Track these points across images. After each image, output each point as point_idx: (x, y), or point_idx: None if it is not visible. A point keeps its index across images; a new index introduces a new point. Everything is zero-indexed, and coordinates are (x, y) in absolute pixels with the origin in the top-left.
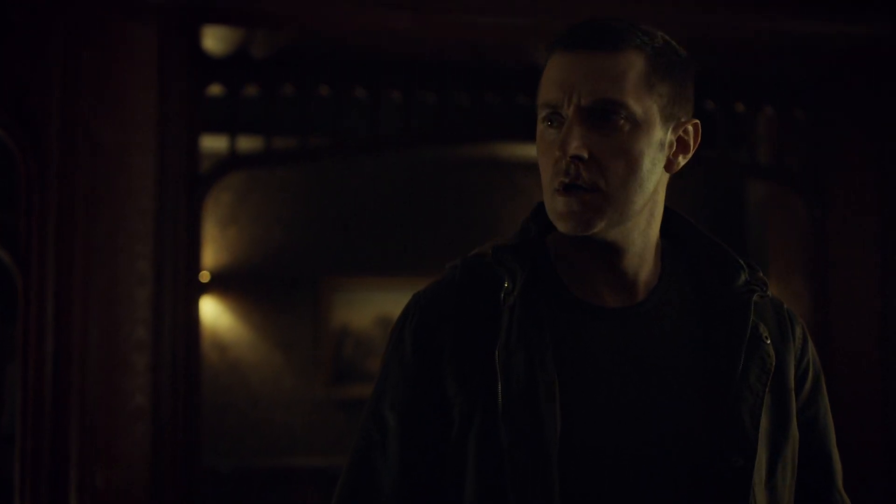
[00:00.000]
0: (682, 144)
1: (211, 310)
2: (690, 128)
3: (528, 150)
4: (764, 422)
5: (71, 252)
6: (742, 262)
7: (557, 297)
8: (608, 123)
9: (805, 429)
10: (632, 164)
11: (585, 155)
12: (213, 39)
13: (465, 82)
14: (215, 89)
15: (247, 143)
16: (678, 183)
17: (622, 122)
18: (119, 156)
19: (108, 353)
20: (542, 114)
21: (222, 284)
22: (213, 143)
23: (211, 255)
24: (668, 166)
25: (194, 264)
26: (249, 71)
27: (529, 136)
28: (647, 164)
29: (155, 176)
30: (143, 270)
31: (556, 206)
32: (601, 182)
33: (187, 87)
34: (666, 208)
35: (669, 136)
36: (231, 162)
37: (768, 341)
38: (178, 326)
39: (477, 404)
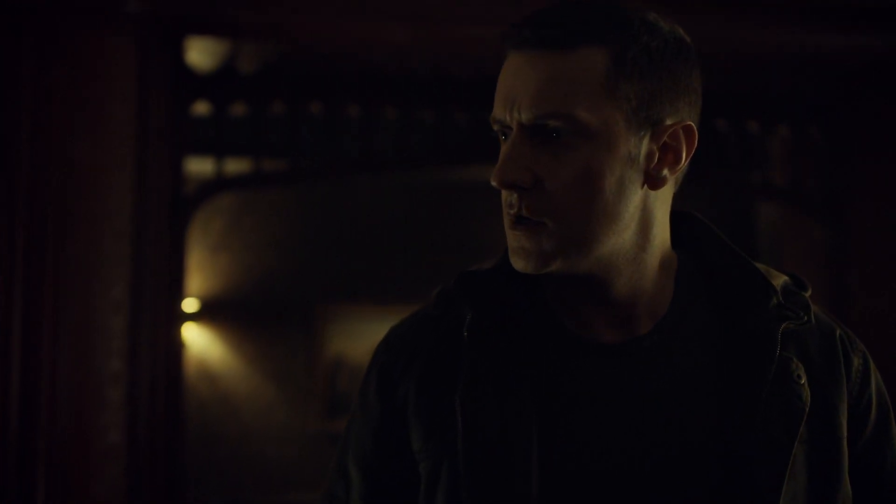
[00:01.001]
0: (668, 153)
1: (200, 339)
2: (680, 131)
3: None
4: (800, 480)
5: (40, 276)
6: (772, 282)
7: (546, 330)
8: (556, 141)
9: (866, 482)
10: (589, 188)
11: (526, 183)
12: (198, 53)
13: (465, 100)
14: (201, 107)
15: (235, 165)
16: (681, 204)
17: (572, 138)
18: (94, 174)
19: (79, 387)
20: (494, 129)
21: (212, 312)
22: (200, 167)
23: (201, 282)
24: (651, 182)
25: (176, 291)
26: (237, 87)
27: None
28: (611, 184)
29: (133, 197)
30: (119, 297)
31: (508, 240)
32: (548, 214)
33: (170, 104)
34: (682, 214)
35: (646, 146)
36: (217, 184)
37: (802, 381)
38: (158, 358)
39: (443, 460)
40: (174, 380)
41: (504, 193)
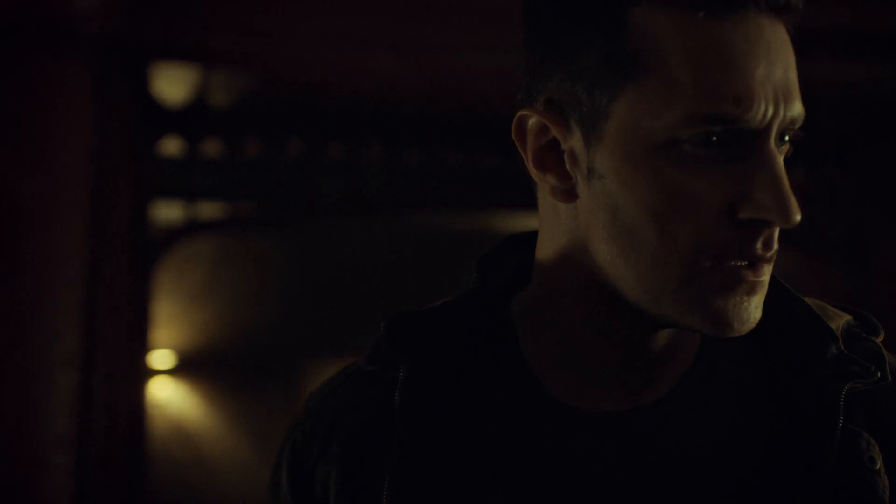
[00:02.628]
0: None
1: (176, 397)
2: None
3: (528, 222)
4: None
5: None
6: (830, 324)
7: (517, 396)
8: (782, 151)
9: None
10: None
11: None
12: (165, 83)
13: (456, 139)
14: (169, 144)
15: (208, 208)
16: None
17: (788, 146)
18: (43, 215)
19: (20, 451)
20: (691, 132)
21: (189, 367)
22: (170, 210)
23: (177, 335)
24: None
25: (140, 344)
26: (209, 123)
27: (528, 205)
28: None
29: (88, 240)
30: (70, 350)
31: (732, 307)
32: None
33: (134, 139)
34: None
35: None
36: (187, 228)
37: (878, 465)
38: (118, 419)
39: None
40: (134, 444)
41: (729, 231)
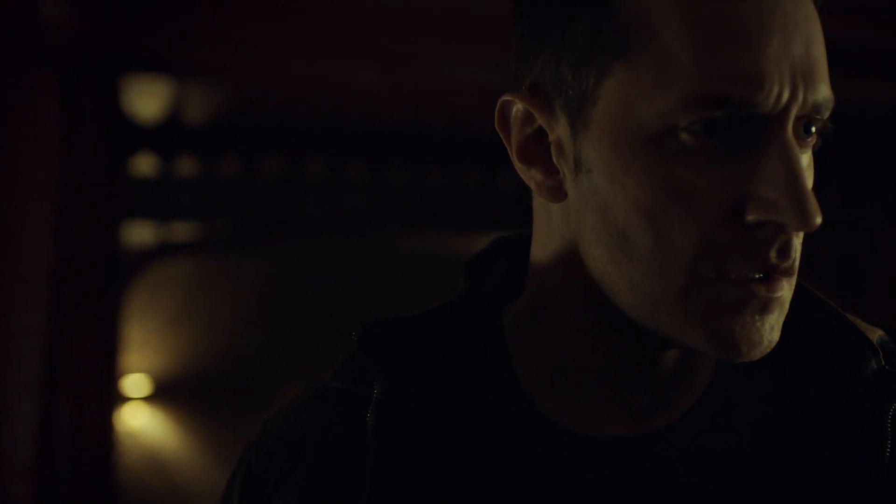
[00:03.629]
0: None
1: (151, 424)
2: None
3: None
4: None
5: None
6: (869, 337)
7: (508, 417)
8: (807, 143)
9: None
10: None
11: None
12: (138, 98)
13: (440, 157)
14: (143, 163)
15: (182, 228)
16: None
17: (816, 138)
18: (6, 234)
19: None
20: (690, 118)
21: (166, 394)
22: (143, 233)
23: (152, 360)
24: None
25: (109, 370)
26: (183, 140)
27: (514, 225)
28: None
29: (52, 261)
30: (30, 375)
31: (740, 328)
32: (797, 256)
33: (103, 155)
34: None
35: None
36: (160, 249)
37: None
38: (85, 448)
39: None
40: (103, 473)
41: (738, 234)
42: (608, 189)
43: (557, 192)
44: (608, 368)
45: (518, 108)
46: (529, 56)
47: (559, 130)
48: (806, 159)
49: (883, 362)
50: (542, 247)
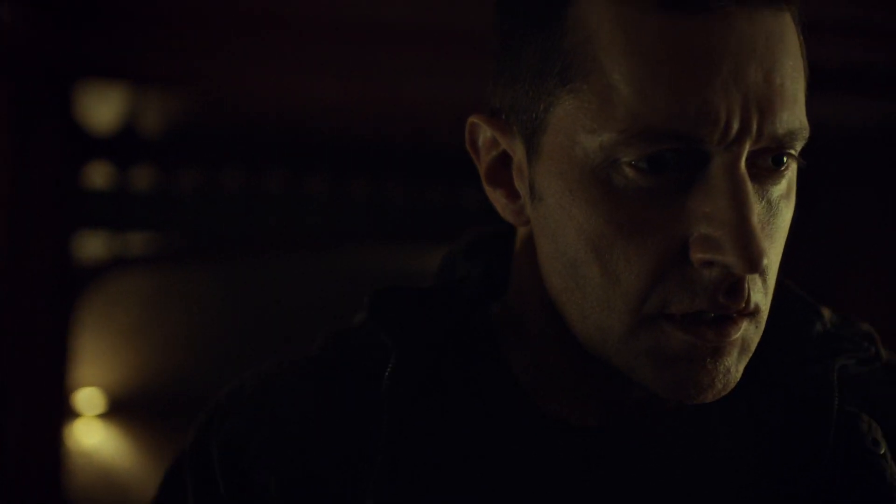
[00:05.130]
0: None
1: (107, 443)
2: None
3: None
4: None
5: None
6: (815, 303)
7: (499, 401)
8: (776, 176)
9: None
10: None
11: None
12: (93, 105)
13: (404, 171)
14: (97, 173)
15: (139, 242)
16: None
17: (791, 166)
18: None
19: None
20: (633, 152)
21: (121, 410)
22: (96, 246)
23: (109, 375)
24: None
25: (60, 385)
26: (139, 150)
27: None
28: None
29: (1, 272)
30: None
31: (687, 372)
32: (764, 296)
33: (55, 165)
34: None
35: None
36: (115, 262)
37: (882, 450)
38: (30, 470)
39: None
40: (52, 494)
41: (679, 271)
42: (558, 218)
43: (520, 216)
44: (588, 377)
45: (483, 130)
46: (494, 75)
47: (519, 155)
48: (779, 190)
49: (830, 326)
50: (517, 261)
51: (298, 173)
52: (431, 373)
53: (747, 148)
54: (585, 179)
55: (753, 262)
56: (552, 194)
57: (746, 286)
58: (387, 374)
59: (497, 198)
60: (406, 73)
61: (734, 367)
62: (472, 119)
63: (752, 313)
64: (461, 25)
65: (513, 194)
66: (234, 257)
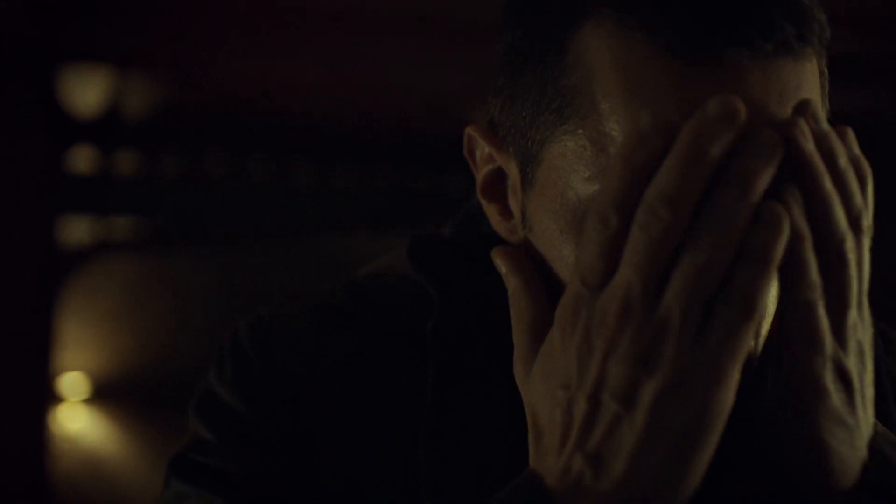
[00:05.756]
0: None
1: (91, 428)
2: None
3: None
4: None
5: None
6: None
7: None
8: None
9: None
10: None
11: None
12: (75, 89)
13: (388, 158)
14: (81, 157)
15: (123, 227)
16: None
17: None
18: None
19: None
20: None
21: (105, 395)
22: (80, 230)
23: (94, 360)
24: None
25: (44, 370)
26: (123, 135)
27: None
28: None
29: None
30: None
31: None
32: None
33: (39, 149)
34: None
35: None
36: (99, 247)
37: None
38: (14, 454)
39: None
40: (36, 479)
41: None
42: (547, 253)
43: (513, 234)
44: None
45: (480, 143)
46: (495, 87)
47: (514, 175)
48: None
49: None
50: None
51: (283, 160)
52: (474, 328)
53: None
54: (577, 224)
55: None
56: (543, 230)
57: None
58: (433, 320)
59: (491, 212)
60: (392, 61)
61: None
62: (470, 131)
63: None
64: (448, 15)
65: (507, 212)
66: (219, 242)
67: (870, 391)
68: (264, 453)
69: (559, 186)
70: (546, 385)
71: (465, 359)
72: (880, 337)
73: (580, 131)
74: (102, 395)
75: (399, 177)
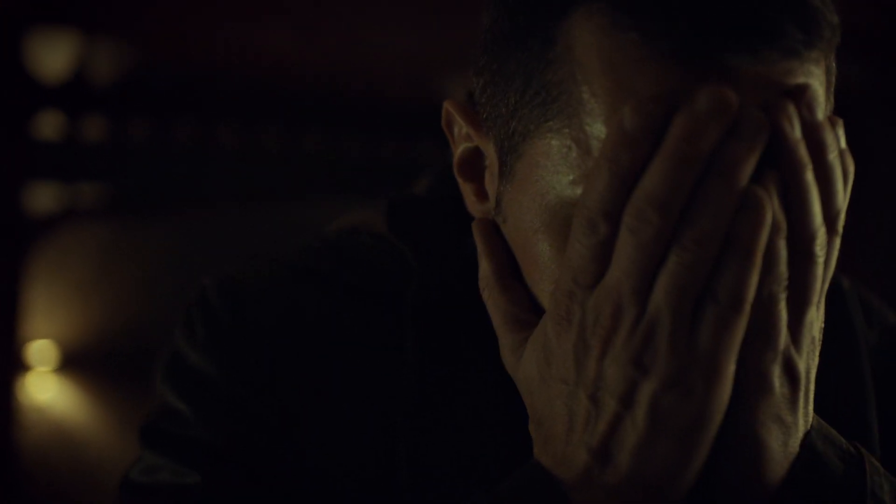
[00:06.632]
0: None
1: (61, 398)
2: None
3: None
4: None
5: None
6: None
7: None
8: None
9: None
10: None
11: None
12: (42, 53)
13: (357, 124)
14: (47, 123)
15: (91, 194)
16: None
17: None
18: None
19: None
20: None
21: (79, 365)
22: (47, 197)
23: (64, 328)
24: None
25: (9, 339)
26: (90, 100)
27: None
28: None
29: None
30: None
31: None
32: None
33: (4, 114)
34: None
35: None
36: (66, 213)
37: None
38: None
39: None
40: (3, 449)
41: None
42: (521, 247)
43: (487, 216)
44: None
45: (459, 123)
46: (478, 65)
47: (491, 158)
48: None
49: None
50: None
51: (252, 125)
52: (455, 299)
53: None
54: (556, 224)
55: None
56: (519, 224)
57: None
58: (411, 297)
59: (467, 192)
60: (362, 26)
61: None
62: (448, 106)
63: None
64: None
65: (482, 193)
66: (187, 208)
67: (813, 386)
68: (239, 422)
69: (540, 185)
70: (541, 375)
71: (447, 331)
72: (860, 305)
73: (565, 130)
74: (72, 364)
75: (368, 143)
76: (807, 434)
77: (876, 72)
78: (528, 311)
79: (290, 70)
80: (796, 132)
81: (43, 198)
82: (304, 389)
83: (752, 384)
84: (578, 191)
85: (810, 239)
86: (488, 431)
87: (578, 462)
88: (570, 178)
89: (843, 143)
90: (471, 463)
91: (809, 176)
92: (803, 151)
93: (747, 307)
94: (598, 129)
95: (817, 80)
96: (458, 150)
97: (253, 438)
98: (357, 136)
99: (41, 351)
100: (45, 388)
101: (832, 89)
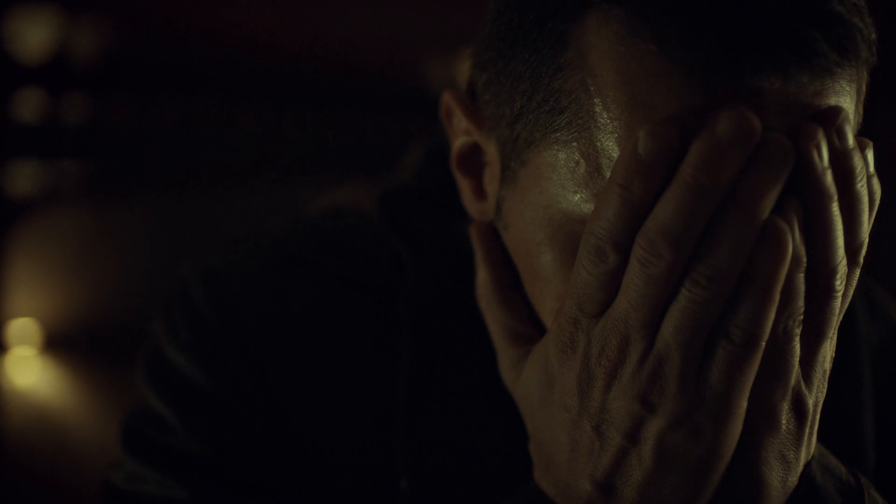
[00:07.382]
0: None
1: (44, 381)
2: None
3: None
4: None
5: None
6: None
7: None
8: None
9: None
10: None
11: None
12: (22, 31)
13: (340, 105)
14: (26, 103)
15: (73, 173)
16: None
17: None
18: None
19: None
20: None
21: (61, 346)
22: (27, 176)
23: (46, 309)
24: None
25: None
26: (70, 78)
27: None
28: None
29: None
30: None
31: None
32: None
33: None
34: None
35: None
36: (48, 193)
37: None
38: None
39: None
40: None
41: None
42: (521, 258)
43: (484, 216)
44: None
45: (458, 113)
46: (483, 59)
47: (492, 157)
48: None
49: None
50: None
51: (233, 106)
52: (449, 294)
53: None
54: (560, 238)
55: None
56: (521, 235)
57: None
58: (406, 295)
59: (464, 188)
60: (344, 7)
61: None
62: (447, 98)
63: None
64: None
65: (480, 191)
66: (170, 188)
67: (819, 416)
68: (229, 432)
69: (545, 197)
70: (542, 398)
71: (442, 329)
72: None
73: (574, 144)
74: (54, 345)
75: (350, 124)
76: (807, 465)
77: (876, 72)
78: (528, 325)
79: (273, 49)
80: (824, 161)
81: (23, 178)
82: (294, 391)
83: (758, 420)
84: (585, 208)
85: (831, 274)
86: (485, 430)
87: (581, 492)
88: (578, 195)
89: (872, 168)
90: (467, 461)
91: (835, 208)
92: (830, 181)
93: (762, 345)
94: (609, 147)
95: (849, 98)
96: (457, 143)
97: (243, 448)
98: (339, 116)
99: (22, 331)
100: (27, 371)
101: (861, 102)
